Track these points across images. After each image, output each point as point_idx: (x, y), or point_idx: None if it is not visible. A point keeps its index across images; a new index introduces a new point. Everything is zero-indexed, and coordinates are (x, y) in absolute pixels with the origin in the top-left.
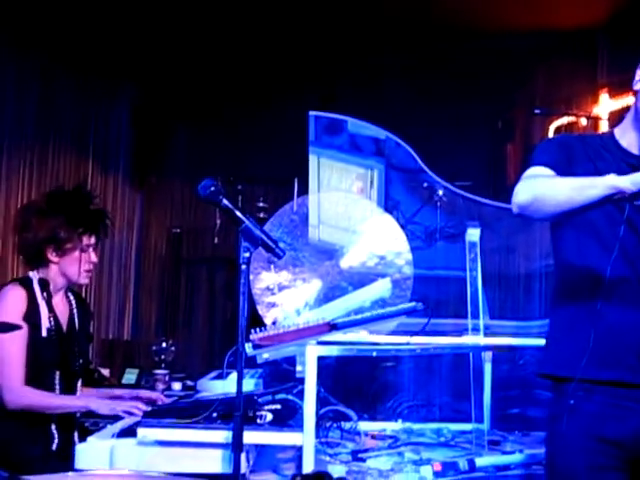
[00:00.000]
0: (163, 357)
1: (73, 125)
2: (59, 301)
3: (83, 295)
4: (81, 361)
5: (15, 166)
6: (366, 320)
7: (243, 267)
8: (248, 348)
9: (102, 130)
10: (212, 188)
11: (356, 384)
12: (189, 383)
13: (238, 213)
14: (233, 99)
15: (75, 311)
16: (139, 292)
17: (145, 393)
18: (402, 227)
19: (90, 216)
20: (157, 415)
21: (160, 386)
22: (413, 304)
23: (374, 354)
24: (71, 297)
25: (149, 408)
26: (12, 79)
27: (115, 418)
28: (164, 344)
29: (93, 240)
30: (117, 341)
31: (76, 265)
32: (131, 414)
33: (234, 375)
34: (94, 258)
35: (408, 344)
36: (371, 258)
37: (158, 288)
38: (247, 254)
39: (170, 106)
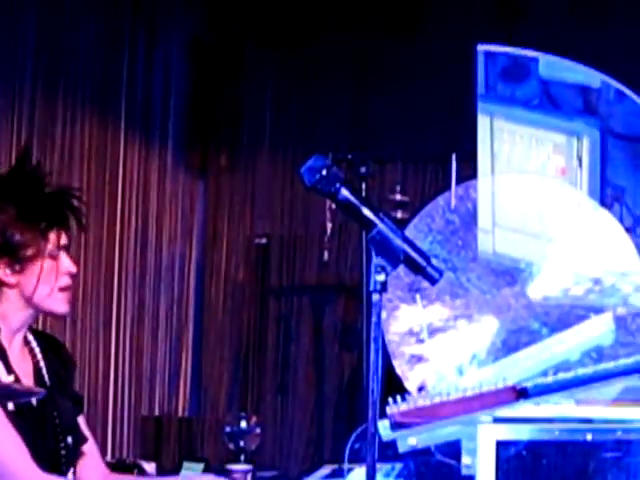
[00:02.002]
0: (242, 444)
1: (94, 71)
2: (17, 353)
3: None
4: (69, 442)
5: (5, 136)
6: (573, 382)
7: (375, 297)
8: (383, 429)
9: (140, 80)
10: (323, 172)
11: None
12: None
13: (367, 211)
14: (349, 28)
15: (42, 364)
16: (201, 341)
17: None
18: (629, 231)
19: (52, 201)
20: None
21: None
22: None
23: (587, 438)
24: (32, 342)
25: None
26: None
27: None
28: (243, 424)
29: (64, 239)
30: (168, 419)
31: (47, 280)
32: None
33: (360, 473)
34: (72, 267)
35: None
36: (579, 282)
37: (232, 334)
38: (382, 277)
39: (250, 41)
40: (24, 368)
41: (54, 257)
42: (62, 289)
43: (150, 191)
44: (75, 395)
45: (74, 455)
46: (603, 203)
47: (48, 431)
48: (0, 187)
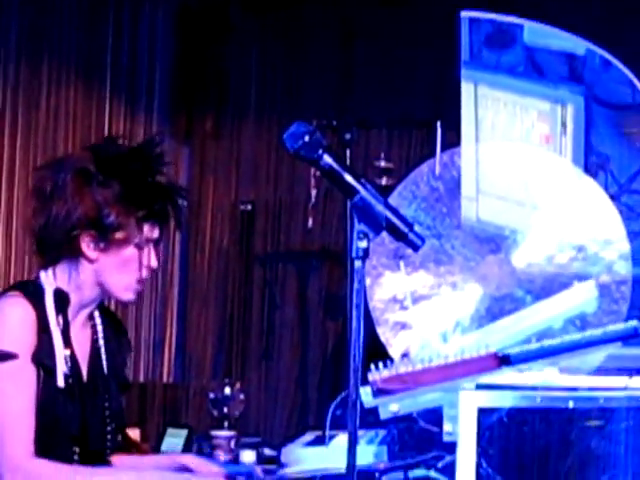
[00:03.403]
0: (226, 411)
1: (79, 36)
2: (79, 328)
3: None
4: (113, 427)
5: None
6: (556, 350)
7: (358, 264)
8: (365, 395)
9: (125, 45)
10: (306, 138)
11: (540, 455)
12: (268, 452)
13: (349, 177)
14: None
15: (102, 343)
16: (186, 307)
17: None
18: (613, 199)
19: (160, 194)
20: None
21: (222, 456)
22: (634, 324)
23: (570, 405)
24: (97, 319)
25: None
26: None
27: None
28: (227, 390)
29: (157, 233)
30: (152, 386)
31: (127, 269)
32: None
33: (342, 439)
34: (155, 262)
35: (626, 389)
36: (563, 250)
37: (217, 300)
38: (364, 243)
39: (236, 7)
40: (82, 344)
41: (141, 248)
42: (138, 281)
43: None
44: (123, 380)
45: (115, 441)
46: (587, 170)
47: (98, 413)
48: (115, 162)
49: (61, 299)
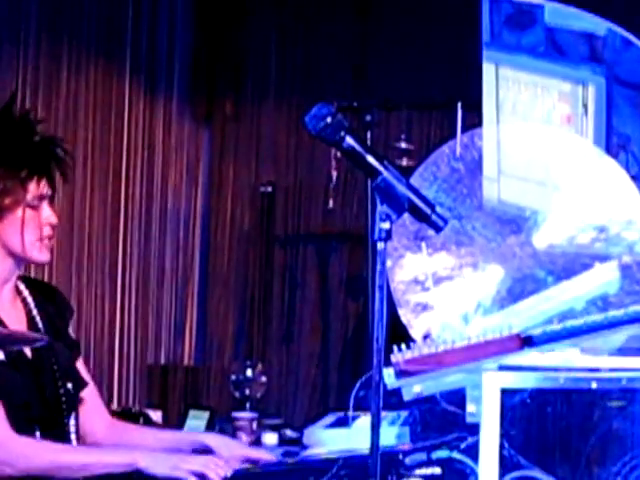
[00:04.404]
0: (248, 392)
1: (99, 20)
2: (8, 303)
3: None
4: (69, 387)
5: (10, 85)
6: (578, 331)
7: (380, 246)
8: (388, 377)
9: (145, 28)
10: (328, 119)
11: (562, 436)
12: (290, 433)
13: (371, 159)
14: None
15: (35, 312)
16: (207, 290)
17: (237, 449)
18: (634, 179)
19: (36, 150)
20: None
21: (244, 437)
22: None
23: (592, 386)
24: (24, 291)
25: (230, 472)
26: None
27: None
28: (249, 372)
29: (46, 189)
30: (173, 368)
31: (27, 230)
32: None
33: (364, 421)
34: (52, 217)
35: None
36: (584, 231)
37: (237, 282)
38: (386, 225)
39: None
40: (16, 318)
41: (34, 207)
42: (42, 239)
43: (155, 140)
44: (72, 341)
45: (74, 400)
46: (608, 151)
47: (47, 378)
48: None
49: None
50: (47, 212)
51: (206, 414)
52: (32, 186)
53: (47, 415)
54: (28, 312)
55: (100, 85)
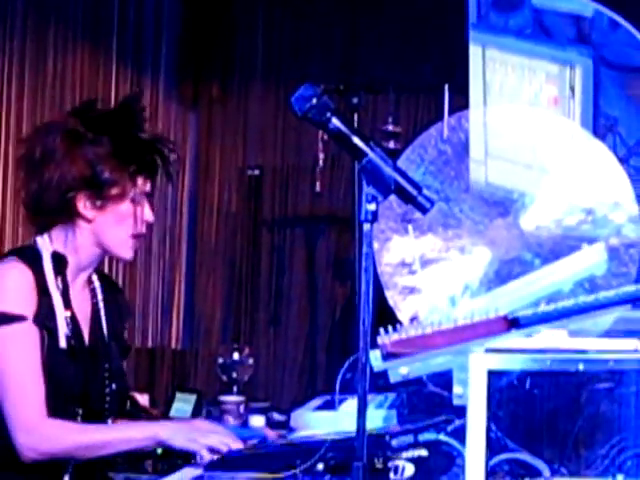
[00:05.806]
0: (235, 376)
1: (85, 2)
2: (78, 291)
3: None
4: (114, 389)
5: None
6: (566, 312)
7: (366, 227)
8: (375, 359)
9: (132, 11)
10: (313, 100)
11: (549, 419)
12: (277, 416)
13: (357, 140)
14: None
15: (101, 306)
16: (194, 273)
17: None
18: (622, 161)
19: (145, 147)
20: (229, 466)
21: (231, 420)
22: None
23: (580, 368)
24: (95, 282)
25: (240, 446)
26: None
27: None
28: (236, 355)
29: (149, 186)
30: (160, 351)
31: (124, 224)
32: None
33: (351, 403)
34: (151, 216)
35: (636, 352)
36: (572, 213)
37: (225, 265)
38: (373, 206)
39: None
40: (82, 307)
41: (136, 202)
42: (135, 236)
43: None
44: (125, 344)
45: (116, 403)
46: (596, 133)
47: (98, 374)
48: (102, 120)
49: (59, 261)
50: (147, 210)
51: (193, 397)
52: (139, 181)
53: (91, 411)
54: (94, 304)
55: (87, 68)
